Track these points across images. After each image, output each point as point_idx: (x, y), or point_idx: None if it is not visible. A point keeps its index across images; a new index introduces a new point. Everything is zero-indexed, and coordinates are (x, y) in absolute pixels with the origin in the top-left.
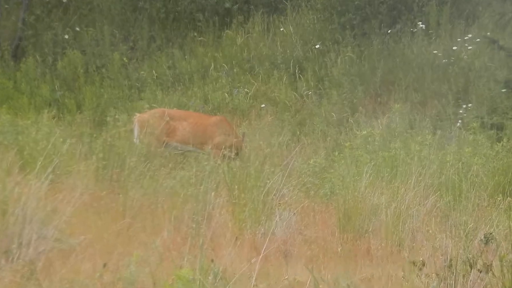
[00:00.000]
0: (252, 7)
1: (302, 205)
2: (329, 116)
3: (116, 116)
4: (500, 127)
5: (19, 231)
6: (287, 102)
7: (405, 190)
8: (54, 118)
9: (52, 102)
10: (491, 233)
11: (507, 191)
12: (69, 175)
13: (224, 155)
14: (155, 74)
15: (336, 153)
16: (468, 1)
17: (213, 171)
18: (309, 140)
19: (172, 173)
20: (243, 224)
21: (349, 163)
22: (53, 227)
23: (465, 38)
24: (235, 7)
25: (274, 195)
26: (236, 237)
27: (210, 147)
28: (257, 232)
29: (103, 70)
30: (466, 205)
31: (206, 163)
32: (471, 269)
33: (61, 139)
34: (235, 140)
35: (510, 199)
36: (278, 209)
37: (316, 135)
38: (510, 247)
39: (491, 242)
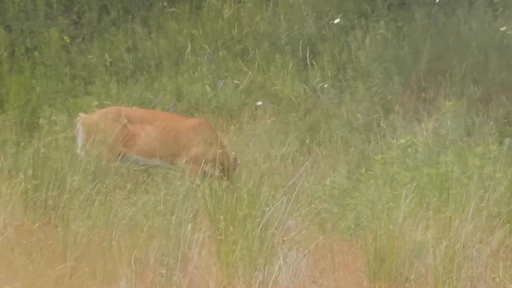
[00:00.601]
0: None
1: (315, 242)
2: (352, 118)
3: (53, 118)
4: None
5: None
6: (293, 99)
7: (461, 222)
8: None
9: None
10: None
11: None
12: None
13: (204, 173)
14: (109, 60)
15: (363, 170)
16: None
17: (189, 195)
18: (324, 152)
19: (132, 197)
20: (233, 270)
21: (381, 184)
22: None
23: None
24: None
25: (275, 228)
26: None
27: (184, 161)
28: (252, 281)
29: (35, 53)
30: None
31: (179, 183)
32: None
33: None
34: (219, 151)
35: None
36: (281, 248)
37: (335, 144)
38: None
39: None
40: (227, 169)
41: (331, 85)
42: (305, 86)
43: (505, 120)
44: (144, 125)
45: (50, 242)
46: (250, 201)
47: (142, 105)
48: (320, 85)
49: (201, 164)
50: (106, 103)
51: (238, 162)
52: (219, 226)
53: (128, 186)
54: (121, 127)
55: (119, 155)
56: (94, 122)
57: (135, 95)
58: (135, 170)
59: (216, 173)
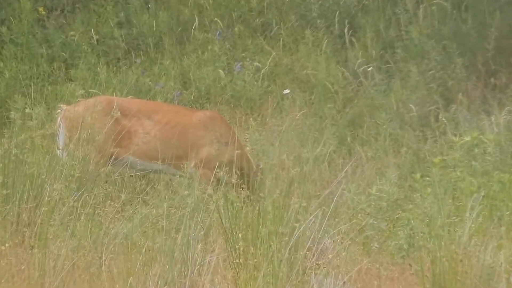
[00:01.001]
0: None
1: (358, 267)
2: (404, 110)
3: (27, 110)
4: None
5: None
6: (329, 86)
7: None
8: None
9: None
10: None
11: None
12: None
13: (218, 179)
14: (95, 37)
15: (418, 176)
16: None
17: (199, 208)
18: (369, 152)
19: (127, 210)
20: None
21: (441, 193)
22: None
23: None
24: None
25: (308, 250)
26: None
27: (193, 165)
28: None
29: (3, 29)
30: None
31: (186, 192)
32: None
33: None
34: (237, 152)
35: None
36: (315, 274)
37: (382, 143)
38: None
39: None
40: (247, 175)
41: (377, 69)
42: (344, 70)
43: None
44: (141, 120)
45: (23, 267)
46: (276, 215)
47: (138, 95)
48: (362, 68)
49: (213, 168)
50: (94, 91)
51: (261, 166)
52: (237, 246)
53: (123, 196)
54: (113, 122)
55: (110, 158)
56: (78, 116)
57: (129, 82)
58: (131, 176)
59: (233, 180)
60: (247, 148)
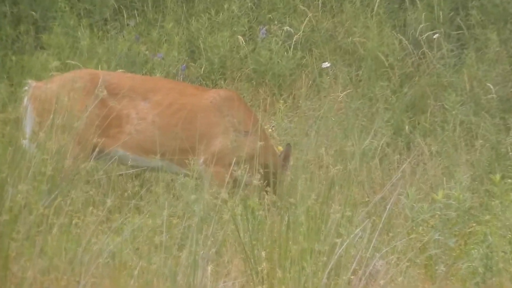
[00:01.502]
0: None
1: None
2: (480, 90)
3: None
4: None
5: None
6: (382, 58)
7: None
8: None
9: None
10: None
11: None
12: None
13: (235, 180)
14: None
15: (497, 177)
16: None
17: (209, 218)
18: (433, 146)
19: (114, 220)
20: None
21: None
22: None
23: None
24: None
25: (353, 274)
26: None
27: (202, 161)
28: None
29: None
30: None
31: (193, 197)
32: None
33: None
34: (260, 144)
35: None
36: None
37: (450, 134)
38: None
39: None
40: (273, 174)
41: (445, 36)
42: (402, 37)
43: None
44: (135, 101)
45: None
46: (311, 228)
47: (131, 68)
48: (426, 35)
49: (229, 165)
50: (72, 63)
51: (290, 162)
52: (260, 269)
53: (109, 201)
54: (97, 103)
55: (94, 150)
56: (52, 95)
57: (120, 51)
58: (121, 175)
59: (255, 181)
60: (273, 139)
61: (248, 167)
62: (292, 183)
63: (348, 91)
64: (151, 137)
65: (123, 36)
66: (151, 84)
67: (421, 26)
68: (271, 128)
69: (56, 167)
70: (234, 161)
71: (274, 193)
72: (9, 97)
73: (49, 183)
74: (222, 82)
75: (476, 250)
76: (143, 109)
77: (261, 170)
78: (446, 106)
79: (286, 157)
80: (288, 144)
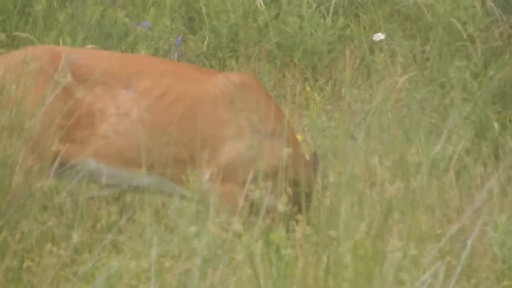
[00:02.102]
0: None
1: None
2: None
3: None
4: None
5: None
6: (457, 25)
7: None
8: None
9: None
10: None
11: None
12: None
13: (252, 203)
14: None
15: None
16: None
17: (215, 258)
18: None
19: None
20: None
21: None
22: None
23: None
24: None
25: None
26: None
27: (207, 176)
28: None
29: None
30: None
31: (193, 228)
32: None
33: None
34: (287, 151)
35: None
36: None
37: None
38: None
39: None
40: (307, 195)
41: None
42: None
43: None
44: (113, 90)
45: None
46: (361, 271)
47: (106, 43)
48: None
49: (244, 182)
50: (23, 36)
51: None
52: None
53: (75, 236)
54: (58, 93)
55: (54, 162)
56: None
57: (90, 18)
58: (92, 198)
59: (281, 206)
60: (305, 144)
61: (271, 184)
62: (333, 208)
63: (411, 74)
64: (134, 142)
65: (97, 5)
66: (135, 66)
67: None
68: (303, 128)
69: (0, 187)
70: (250, 176)
71: (308, 222)
72: None
73: None
74: (233, 63)
75: None
76: (124, 101)
77: (289, 190)
78: None
79: (314, 160)
80: (314, 154)
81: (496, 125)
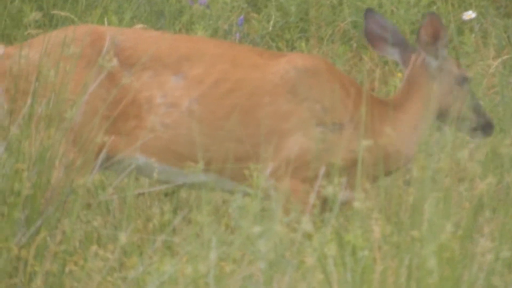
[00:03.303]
0: None
1: None
2: None
3: None
4: None
5: None
6: None
7: None
8: None
9: None
10: None
11: None
12: None
13: (325, 201)
14: None
15: None
16: None
17: (282, 262)
18: None
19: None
20: None
21: None
22: None
23: None
24: None
25: None
26: None
27: (270, 171)
28: None
29: None
30: None
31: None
32: None
33: None
34: (365, 143)
35: None
36: None
37: None
38: None
39: None
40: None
41: None
42: None
43: None
44: (162, 77)
45: None
46: (447, 276)
47: (157, 23)
48: None
49: (314, 178)
50: (62, 15)
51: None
52: None
53: (123, 237)
54: (102, 80)
55: (98, 156)
56: (30, 68)
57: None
58: (141, 195)
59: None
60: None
61: (347, 178)
62: (416, 206)
63: (505, 57)
64: (187, 136)
65: None
66: (187, 49)
67: None
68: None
69: (38, 183)
70: (322, 171)
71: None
72: None
73: (27, 208)
74: (303, 45)
75: None
76: (173, 89)
77: (368, 185)
78: None
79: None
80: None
81: None
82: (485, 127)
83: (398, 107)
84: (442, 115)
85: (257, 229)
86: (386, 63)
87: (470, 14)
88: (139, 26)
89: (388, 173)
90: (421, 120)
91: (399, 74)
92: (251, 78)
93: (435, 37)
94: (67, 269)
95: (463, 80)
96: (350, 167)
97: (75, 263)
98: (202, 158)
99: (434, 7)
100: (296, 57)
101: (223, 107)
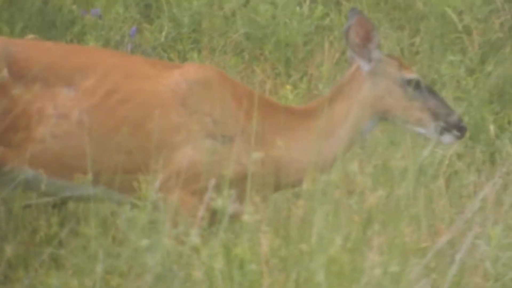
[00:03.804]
0: None
1: None
2: None
3: None
4: None
5: None
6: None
7: None
8: None
9: None
10: None
11: None
12: None
13: (214, 214)
14: None
15: None
16: None
17: (169, 275)
18: None
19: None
20: None
21: None
22: None
23: None
24: None
25: None
26: None
27: (159, 183)
28: None
29: None
30: None
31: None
32: None
33: None
34: (256, 156)
35: None
36: None
37: None
38: None
39: None
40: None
41: None
42: None
43: None
44: (53, 88)
45: None
46: None
47: (49, 33)
48: None
49: (203, 190)
50: None
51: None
52: None
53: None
54: None
55: None
56: None
57: (29, 4)
58: (28, 207)
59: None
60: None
61: (238, 191)
62: (306, 219)
63: None
64: (77, 147)
65: None
66: (80, 60)
67: None
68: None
69: None
70: (213, 183)
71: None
72: None
73: None
74: (195, 56)
75: None
76: (65, 100)
77: (257, 198)
78: None
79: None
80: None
81: (492, 127)
82: (453, 130)
83: (307, 115)
84: (385, 118)
85: (145, 241)
86: (278, 74)
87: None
88: (31, 36)
89: (285, 186)
90: (338, 128)
91: (288, 87)
92: (142, 90)
93: (366, 39)
94: None
95: (406, 82)
96: (240, 180)
97: None
98: (91, 170)
99: (328, 19)
100: (189, 68)
101: (114, 119)
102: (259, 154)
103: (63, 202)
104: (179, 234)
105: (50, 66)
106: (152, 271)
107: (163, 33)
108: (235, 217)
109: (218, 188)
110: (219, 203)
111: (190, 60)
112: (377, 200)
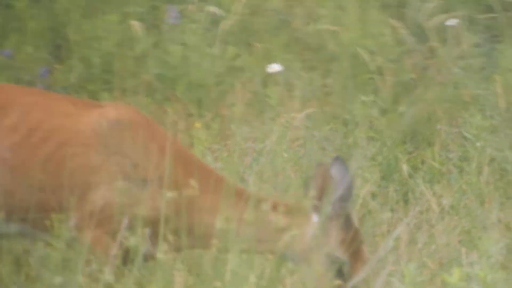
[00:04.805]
0: None
1: None
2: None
3: None
4: None
5: None
6: (363, 55)
7: None
8: None
9: None
10: None
11: None
12: None
13: (127, 252)
14: None
15: None
16: None
17: None
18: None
19: None
20: None
21: None
22: None
23: None
24: None
25: None
26: None
27: (74, 221)
28: None
29: None
30: None
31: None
32: None
33: None
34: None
35: None
36: None
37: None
38: None
39: None
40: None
41: (467, 22)
42: (398, 24)
43: None
44: None
45: None
46: None
47: None
48: (436, 21)
49: (116, 230)
50: None
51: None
52: None
53: None
54: None
55: None
56: None
57: None
58: None
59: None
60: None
61: (152, 231)
62: (219, 256)
63: (310, 110)
64: None
65: None
66: (1, 97)
67: (428, 6)
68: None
69: None
70: (126, 223)
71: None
72: None
73: None
74: (106, 96)
75: None
76: None
77: (171, 237)
78: (467, 135)
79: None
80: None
81: (405, 167)
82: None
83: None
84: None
85: (58, 279)
86: (190, 115)
87: (275, 67)
88: None
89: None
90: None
91: (198, 124)
92: (63, 128)
93: (322, 191)
94: None
95: (334, 259)
96: (153, 223)
97: None
98: (5, 207)
99: (239, 60)
100: (110, 109)
101: (36, 156)
102: (173, 194)
103: None
104: (92, 272)
105: None
106: None
107: (74, 74)
108: (149, 258)
109: (132, 227)
110: (132, 241)
111: (102, 101)
112: (291, 238)
